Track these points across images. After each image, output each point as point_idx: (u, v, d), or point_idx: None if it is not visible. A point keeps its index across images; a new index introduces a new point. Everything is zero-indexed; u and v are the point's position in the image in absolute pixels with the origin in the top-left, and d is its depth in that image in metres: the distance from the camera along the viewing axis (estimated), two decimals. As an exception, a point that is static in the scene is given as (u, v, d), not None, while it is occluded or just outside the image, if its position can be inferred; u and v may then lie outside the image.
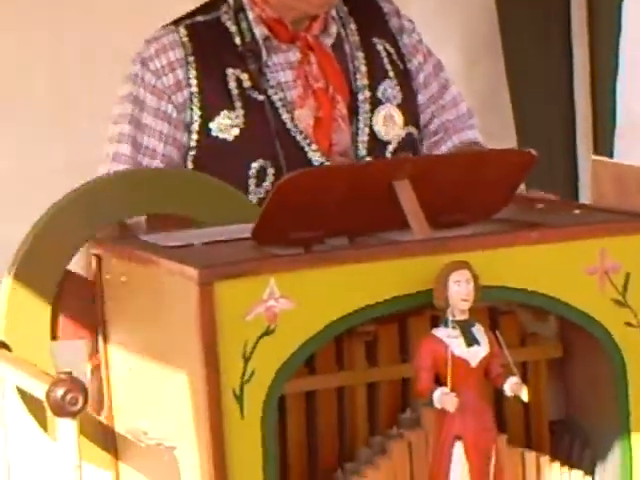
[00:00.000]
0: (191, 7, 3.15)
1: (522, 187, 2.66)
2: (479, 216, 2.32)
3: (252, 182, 3.02)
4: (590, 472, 2.31)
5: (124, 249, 2.37)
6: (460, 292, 2.07)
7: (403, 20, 3.24)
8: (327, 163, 3.05)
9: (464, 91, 3.75)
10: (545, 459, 2.25)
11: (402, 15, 3.24)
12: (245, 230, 2.25)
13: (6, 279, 2.46)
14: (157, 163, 3.01)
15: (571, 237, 2.27)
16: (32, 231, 2.51)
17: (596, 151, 4.08)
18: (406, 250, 2.14)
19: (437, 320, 2.12)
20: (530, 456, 2.25)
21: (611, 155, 4.04)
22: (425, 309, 2.16)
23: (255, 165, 3.01)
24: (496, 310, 2.26)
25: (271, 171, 3.02)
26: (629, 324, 2.26)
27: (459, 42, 4.45)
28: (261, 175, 3.02)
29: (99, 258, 2.43)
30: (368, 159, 3.07)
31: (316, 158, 3.04)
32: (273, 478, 2.07)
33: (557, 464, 2.26)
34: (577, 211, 2.58)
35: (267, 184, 3.00)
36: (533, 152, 2.47)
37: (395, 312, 2.16)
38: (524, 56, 4.45)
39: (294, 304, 2.05)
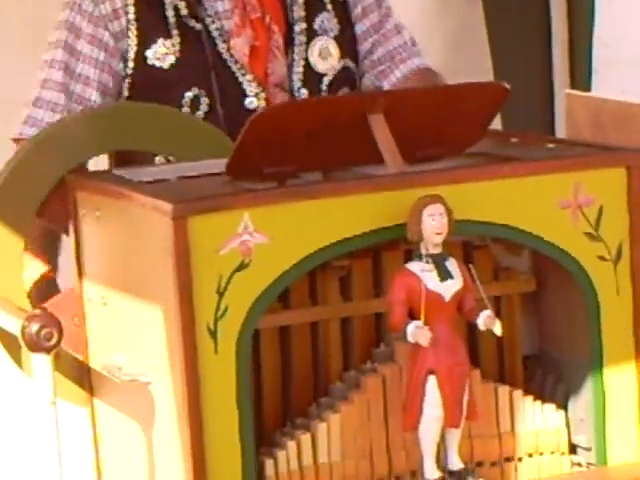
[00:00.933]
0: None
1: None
2: (453, 150, 2.32)
3: (185, 111, 3.04)
4: (563, 406, 2.34)
5: (98, 184, 2.38)
6: (434, 226, 2.06)
7: None
8: (262, 93, 3.07)
9: (441, 27, 3.75)
10: (518, 393, 2.28)
11: None
12: (219, 165, 2.24)
13: None
14: (90, 90, 3.03)
15: (544, 171, 2.29)
16: (4, 170, 2.52)
17: (573, 86, 4.13)
18: (380, 184, 2.15)
19: (411, 254, 2.12)
20: (503, 390, 2.27)
21: (589, 90, 4.02)
22: (399, 243, 2.16)
23: (189, 94, 3.04)
24: (470, 244, 2.26)
25: (205, 100, 3.04)
26: (602, 258, 2.28)
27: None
28: (195, 104, 3.04)
29: (74, 194, 2.43)
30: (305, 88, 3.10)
31: (251, 89, 3.07)
32: (247, 413, 2.08)
33: (530, 398, 2.30)
34: (551, 145, 2.59)
35: (200, 113, 3.03)
36: (506, 85, 2.49)
37: (369, 246, 2.16)
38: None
39: (268, 238, 2.05)
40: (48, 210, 2.56)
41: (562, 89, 4.10)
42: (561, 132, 3.75)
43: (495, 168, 2.29)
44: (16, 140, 3.00)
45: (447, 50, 4.08)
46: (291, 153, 2.19)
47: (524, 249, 2.34)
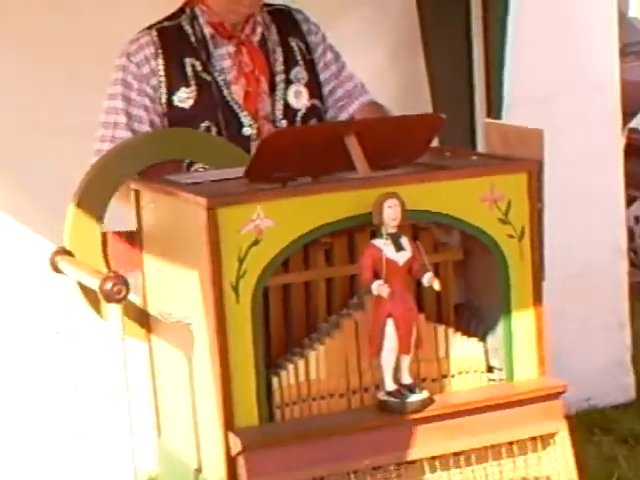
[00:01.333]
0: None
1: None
2: (405, 161, 2.51)
3: None
4: (482, 339, 2.55)
5: (154, 185, 2.57)
6: (391, 214, 2.28)
7: (310, 25, 3.34)
8: (254, 124, 3.19)
9: (396, 72, 3.92)
10: (451, 330, 2.49)
11: (310, 21, 3.37)
12: (239, 172, 2.42)
13: (70, 207, 2.63)
14: (144, 126, 3.15)
15: (469, 175, 2.49)
16: (87, 174, 2.72)
17: (489, 116, 4.22)
18: (353, 185, 2.36)
19: (375, 234, 2.33)
20: (440, 329, 2.48)
21: (500, 119, 4.14)
22: (366, 226, 2.35)
23: (203, 125, 3.13)
24: (417, 226, 2.44)
25: (214, 129, 3.14)
26: (510, 236, 2.49)
27: (386, 39, 4.54)
28: (207, 132, 3.18)
29: (137, 192, 2.61)
30: (313, 122, 3.27)
31: (246, 121, 3.19)
32: (260, 346, 2.29)
33: (459, 334, 2.50)
34: (474, 157, 2.82)
35: None
36: (442, 116, 2.71)
37: (345, 228, 2.37)
38: (438, 48, 4.46)
39: (274, 223, 2.25)
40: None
41: (482, 118, 4.23)
42: (481, 148, 3.95)
43: (434, 173, 2.50)
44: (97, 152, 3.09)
45: (399, 91, 4.27)
46: (291, 164, 2.35)
47: (455, 230, 2.53)
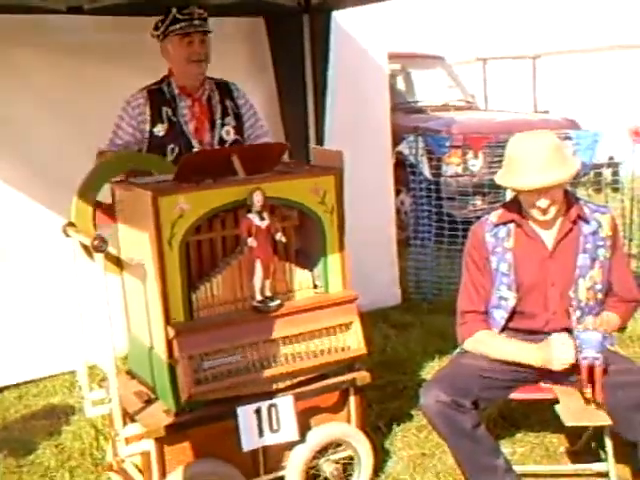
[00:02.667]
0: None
1: (286, 157, 2.99)
2: (266, 169, 2.63)
3: (169, 155, 3.20)
4: (311, 269, 2.69)
5: (123, 185, 2.67)
6: (257, 200, 2.46)
7: (239, 92, 3.40)
8: (200, 148, 3.22)
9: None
10: (292, 265, 2.65)
11: (239, 90, 3.41)
12: (170, 177, 2.55)
13: (74, 197, 2.71)
14: (133, 146, 3.21)
15: (303, 177, 2.63)
16: (84, 178, 2.72)
17: (316, 140, 4.27)
18: (236, 183, 2.50)
19: (249, 210, 2.46)
20: (287, 264, 2.64)
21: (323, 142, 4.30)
22: (244, 206, 2.47)
23: (170, 146, 3.21)
24: (273, 206, 2.54)
25: (177, 150, 3.21)
26: (325, 211, 2.63)
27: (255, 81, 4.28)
28: (172, 152, 3.21)
29: (113, 189, 2.71)
30: (218, 147, 3.26)
31: (196, 146, 3.24)
32: (184, 276, 2.42)
33: (298, 268, 2.66)
34: (306, 167, 2.92)
35: (174, 155, 3.20)
36: (286, 144, 2.95)
37: (232, 207, 2.48)
38: (284, 86, 4.32)
39: (190, 206, 2.39)
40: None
41: (313, 140, 4.27)
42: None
43: (283, 176, 2.61)
44: (99, 153, 3.15)
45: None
46: (201, 171, 2.48)
47: (295, 209, 2.62)
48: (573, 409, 2.54)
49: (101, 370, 3.39)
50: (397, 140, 5.64)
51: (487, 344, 2.72)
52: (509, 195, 6.45)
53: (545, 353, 2.59)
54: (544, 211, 2.61)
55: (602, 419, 2.49)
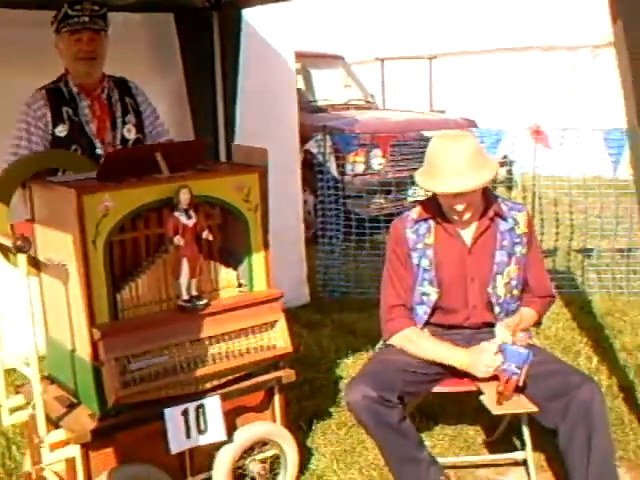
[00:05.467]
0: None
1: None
2: (188, 168, 2.59)
3: None
4: (235, 268, 2.69)
5: (43, 183, 2.60)
6: (184, 198, 2.45)
7: (138, 90, 3.39)
8: (102, 147, 3.18)
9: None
10: (217, 263, 2.64)
11: (138, 88, 3.39)
12: (91, 175, 2.51)
13: None
14: (39, 147, 3.14)
15: (227, 174, 2.64)
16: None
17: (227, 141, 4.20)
18: (161, 181, 2.48)
19: (174, 209, 2.45)
20: (212, 263, 2.63)
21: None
22: (169, 205, 2.46)
23: (73, 147, 3.15)
24: (197, 205, 2.50)
25: (79, 150, 3.15)
26: (249, 209, 2.64)
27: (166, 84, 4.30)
28: (75, 152, 3.13)
29: (30, 187, 2.64)
30: (120, 146, 3.24)
31: (98, 145, 3.20)
32: (108, 276, 2.39)
33: (222, 267, 2.65)
34: (230, 165, 2.94)
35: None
36: (207, 139, 2.88)
37: (157, 206, 2.47)
38: (193, 84, 4.25)
39: (115, 203, 2.36)
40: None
41: (223, 140, 4.22)
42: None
43: (208, 173, 2.59)
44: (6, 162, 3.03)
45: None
46: (123, 170, 2.43)
47: (217, 206, 2.60)
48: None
49: (17, 375, 3.30)
50: (302, 139, 5.68)
51: (415, 343, 2.79)
52: (411, 193, 6.60)
53: (472, 359, 2.69)
54: (461, 213, 2.71)
55: (527, 406, 2.60)
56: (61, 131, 3.17)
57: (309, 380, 3.91)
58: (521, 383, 2.58)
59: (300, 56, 7.66)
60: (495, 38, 11.26)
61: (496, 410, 2.59)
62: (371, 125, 7.24)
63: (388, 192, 6.76)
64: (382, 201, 6.91)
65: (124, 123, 3.29)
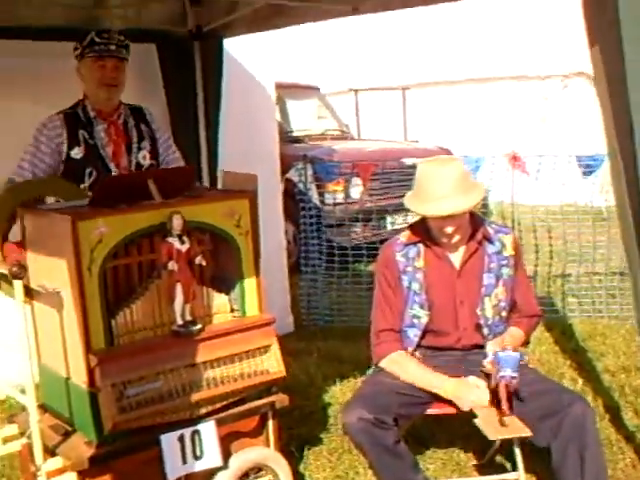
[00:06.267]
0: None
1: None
2: (179, 194, 2.59)
3: (86, 178, 3.22)
4: (227, 293, 2.69)
5: (34, 210, 2.62)
6: (178, 223, 2.45)
7: (153, 117, 3.50)
8: (118, 171, 3.26)
9: None
10: (210, 289, 2.64)
11: (153, 115, 3.50)
12: (83, 203, 2.52)
13: None
14: (45, 167, 3.19)
15: (218, 200, 2.63)
16: None
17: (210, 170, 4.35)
18: (153, 207, 2.47)
19: (166, 235, 2.45)
20: (205, 288, 2.62)
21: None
22: (160, 231, 2.46)
23: (88, 170, 3.22)
24: (192, 229, 2.50)
25: (95, 173, 3.23)
26: (241, 234, 2.64)
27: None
28: (90, 175, 3.23)
29: (22, 215, 2.64)
30: (135, 171, 3.31)
31: (113, 169, 3.28)
32: (103, 302, 2.37)
33: (215, 292, 2.65)
34: (218, 192, 2.94)
35: (92, 179, 3.22)
36: (192, 167, 2.92)
37: (149, 231, 2.46)
38: (176, 114, 4.31)
39: (109, 229, 2.36)
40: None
41: (205, 166, 4.34)
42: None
43: (200, 199, 2.59)
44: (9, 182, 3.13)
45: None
46: (118, 196, 2.43)
47: (207, 232, 2.59)
48: (493, 423, 2.64)
49: (7, 405, 3.28)
50: (282, 169, 5.69)
51: (402, 367, 2.82)
52: (391, 222, 6.66)
53: (458, 391, 2.72)
54: (450, 236, 2.76)
55: (522, 431, 2.63)
56: (77, 153, 3.24)
57: (298, 407, 3.88)
58: (517, 386, 2.60)
59: (277, 87, 7.84)
60: (467, 69, 11.46)
61: (493, 435, 2.61)
62: (351, 154, 7.32)
63: (368, 220, 6.84)
64: (359, 230, 6.99)
65: (139, 149, 3.37)
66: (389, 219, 7.20)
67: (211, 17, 4.17)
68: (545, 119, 10.78)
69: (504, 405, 2.61)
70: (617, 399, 3.87)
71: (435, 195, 2.68)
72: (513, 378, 2.59)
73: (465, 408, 2.71)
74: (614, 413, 3.69)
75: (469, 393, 2.71)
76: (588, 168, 5.02)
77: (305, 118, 8.81)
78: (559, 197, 5.79)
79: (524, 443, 2.84)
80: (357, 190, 7.06)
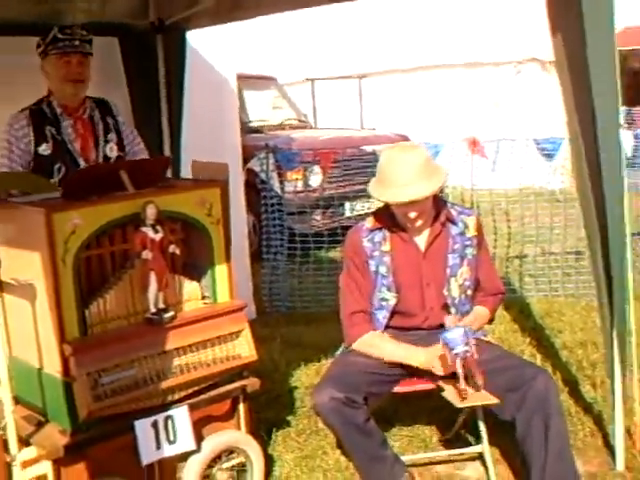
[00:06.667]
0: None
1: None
2: (151, 184, 2.63)
3: (55, 174, 3.23)
4: (199, 281, 2.74)
5: (4, 204, 2.60)
6: (152, 212, 2.50)
7: (119, 110, 3.54)
8: (86, 165, 3.26)
9: None
10: (182, 277, 2.68)
11: (118, 107, 3.54)
12: (55, 195, 2.55)
13: None
14: (16, 165, 3.19)
15: (190, 190, 2.69)
16: None
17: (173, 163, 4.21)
18: (126, 197, 2.51)
19: (139, 225, 2.49)
20: (177, 277, 2.66)
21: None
22: (135, 221, 2.50)
23: (56, 166, 3.24)
24: (164, 218, 2.53)
25: (63, 169, 3.24)
26: (212, 222, 2.69)
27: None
28: (59, 171, 3.24)
29: None
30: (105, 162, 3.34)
31: (82, 163, 3.29)
32: (77, 292, 2.40)
33: (186, 280, 2.70)
34: (189, 182, 2.88)
35: (61, 175, 3.23)
36: (169, 158, 2.93)
37: (123, 222, 2.50)
38: (138, 107, 4.29)
39: (83, 221, 2.39)
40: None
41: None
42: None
43: (172, 189, 2.65)
44: None
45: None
46: (88, 188, 2.45)
47: (178, 221, 2.64)
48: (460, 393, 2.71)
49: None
50: (243, 159, 5.73)
51: (377, 346, 2.89)
52: (349, 208, 6.73)
53: (431, 358, 2.80)
54: (414, 220, 2.84)
55: (489, 399, 2.70)
56: (44, 150, 3.25)
57: (265, 391, 3.79)
58: (476, 356, 2.65)
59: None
60: (422, 57, 11.59)
61: (460, 404, 2.70)
62: (312, 143, 7.40)
63: (327, 207, 6.93)
64: (319, 217, 7.09)
65: (106, 142, 3.40)
66: (348, 205, 7.29)
67: (173, 10, 4.18)
68: (498, 104, 10.96)
69: (467, 380, 2.66)
70: (575, 373, 4.00)
71: (398, 182, 2.73)
72: (467, 352, 2.65)
73: (439, 372, 2.77)
74: (572, 386, 3.81)
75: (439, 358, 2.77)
76: (548, 151, 5.16)
77: (263, 108, 8.84)
78: (517, 180, 5.94)
79: (488, 417, 2.96)
80: (317, 178, 7.14)
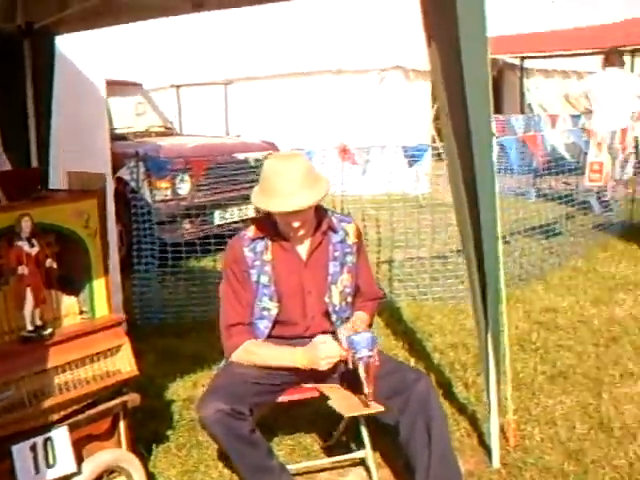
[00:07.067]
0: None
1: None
2: (24, 196, 2.53)
3: None
4: (77, 295, 2.66)
5: None
6: (27, 225, 2.38)
7: None
8: None
9: None
10: (59, 292, 2.59)
11: None
12: None
13: None
14: None
15: (66, 202, 2.59)
16: None
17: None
18: (2, 208, 2.41)
19: (13, 238, 2.37)
20: (53, 292, 2.57)
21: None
22: (8, 234, 2.35)
23: None
24: (39, 232, 2.41)
25: None
26: (89, 234, 2.62)
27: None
28: None
29: None
30: None
31: None
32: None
33: (63, 295, 2.61)
34: (64, 193, 2.76)
35: None
36: (38, 168, 2.80)
37: None
38: (4, 113, 4.04)
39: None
40: None
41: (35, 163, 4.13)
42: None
43: (48, 200, 2.56)
44: None
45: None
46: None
47: (52, 234, 2.50)
48: (346, 402, 2.77)
49: None
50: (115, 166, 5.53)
51: (255, 353, 2.88)
52: (219, 217, 6.65)
53: (311, 355, 2.82)
54: (297, 230, 2.85)
55: (375, 407, 2.73)
56: None
57: (141, 407, 3.64)
58: (377, 364, 2.69)
59: (99, 84, 7.72)
60: (288, 63, 11.69)
61: (347, 413, 2.73)
62: (181, 150, 7.29)
63: (196, 216, 6.87)
64: (188, 226, 7.00)
65: None
66: (218, 214, 7.24)
67: (42, 13, 4.04)
68: (361, 112, 11.19)
69: (368, 387, 2.67)
70: (448, 374, 4.13)
71: (282, 191, 2.74)
72: (370, 357, 2.68)
73: (322, 368, 2.79)
74: (446, 388, 3.93)
75: (319, 352, 2.79)
76: (413, 158, 5.33)
77: (128, 115, 8.67)
78: (386, 186, 6.07)
79: (369, 421, 2.99)
80: (186, 186, 7.04)
